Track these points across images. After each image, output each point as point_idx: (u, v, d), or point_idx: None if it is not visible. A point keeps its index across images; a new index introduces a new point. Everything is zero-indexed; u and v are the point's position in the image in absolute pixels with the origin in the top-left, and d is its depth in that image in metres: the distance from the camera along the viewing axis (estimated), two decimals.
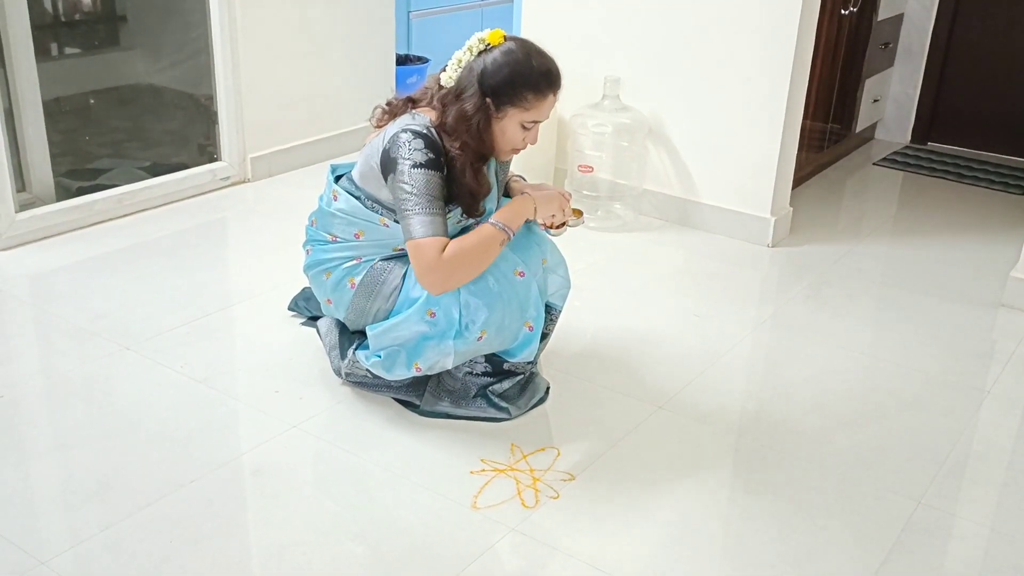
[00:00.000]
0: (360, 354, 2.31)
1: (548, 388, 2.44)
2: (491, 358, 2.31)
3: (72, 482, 2.06)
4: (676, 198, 3.62)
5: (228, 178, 3.82)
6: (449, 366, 2.23)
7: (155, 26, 3.96)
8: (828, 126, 4.20)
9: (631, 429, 2.32)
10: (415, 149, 2.10)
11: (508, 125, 2.16)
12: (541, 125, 2.25)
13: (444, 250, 2.08)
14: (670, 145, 3.59)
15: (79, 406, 2.32)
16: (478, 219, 2.24)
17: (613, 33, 3.59)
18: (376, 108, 2.31)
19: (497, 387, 2.32)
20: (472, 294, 2.17)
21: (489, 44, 2.15)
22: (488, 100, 2.12)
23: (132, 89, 3.94)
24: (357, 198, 2.27)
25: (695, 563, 1.89)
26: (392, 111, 2.27)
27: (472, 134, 2.13)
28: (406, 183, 2.10)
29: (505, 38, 2.16)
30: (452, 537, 1.93)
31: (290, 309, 2.79)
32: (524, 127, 2.18)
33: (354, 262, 2.32)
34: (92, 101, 3.81)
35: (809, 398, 2.50)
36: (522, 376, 2.36)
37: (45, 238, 3.24)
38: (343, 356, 2.38)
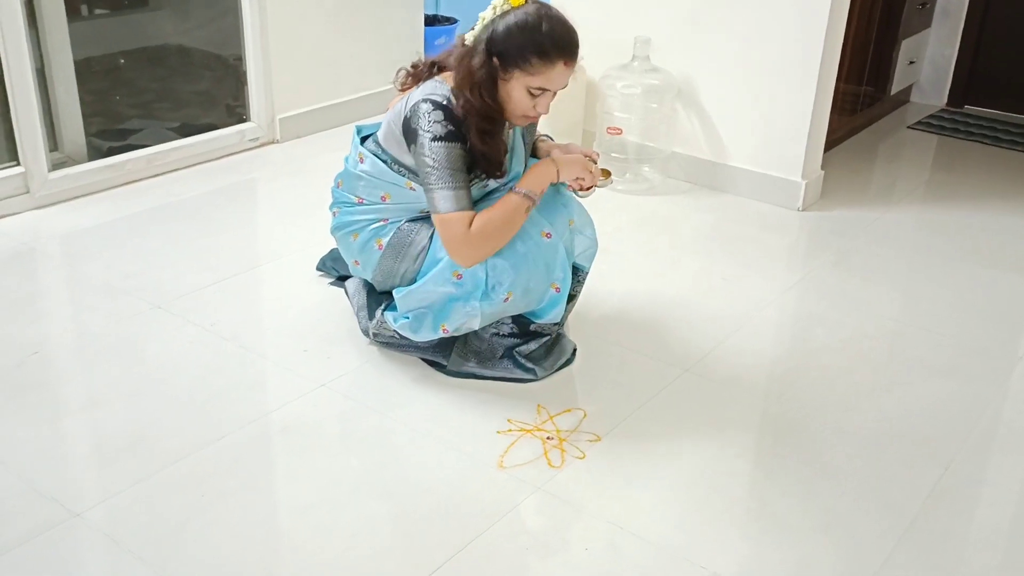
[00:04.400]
0: (388, 315, 2.32)
1: (575, 350, 2.44)
2: (518, 319, 2.31)
3: (104, 438, 2.09)
4: (705, 161, 3.59)
5: (257, 139, 3.83)
6: (476, 327, 2.24)
7: None
8: (862, 88, 4.13)
9: (657, 391, 2.32)
10: (434, 121, 2.09)
11: (514, 89, 2.12)
12: (564, 91, 2.20)
13: (471, 224, 2.10)
14: (699, 107, 3.55)
15: (111, 363, 2.36)
16: (504, 182, 2.23)
17: None
18: (400, 70, 2.29)
19: (524, 348, 2.33)
20: (499, 255, 2.17)
21: (511, 6, 2.12)
22: (495, 60, 2.09)
23: (161, 49, 3.94)
24: (384, 161, 2.26)
25: (720, 525, 1.90)
26: (416, 74, 2.25)
27: (475, 93, 2.10)
28: (427, 156, 2.10)
29: (528, 1, 2.13)
30: (477, 496, 1.94)
31: (318, 269, 2.80)
32: (531, 93, 2.12)
33: (381, 223, 2.32)
34: (122, 61, 3.81)
35: (837, 363, 2.48)
36: (548, 337, 2.36)
37: (77, 197, 3.27)
38: (371, 317, 2.39)
